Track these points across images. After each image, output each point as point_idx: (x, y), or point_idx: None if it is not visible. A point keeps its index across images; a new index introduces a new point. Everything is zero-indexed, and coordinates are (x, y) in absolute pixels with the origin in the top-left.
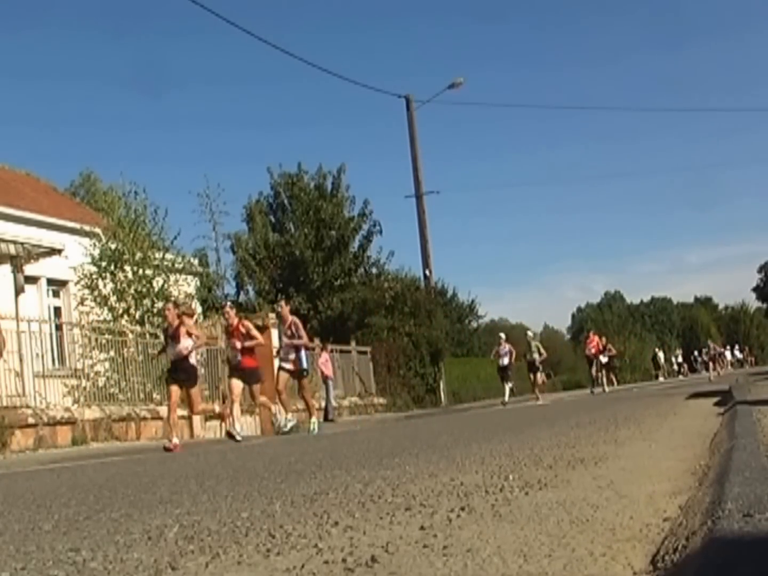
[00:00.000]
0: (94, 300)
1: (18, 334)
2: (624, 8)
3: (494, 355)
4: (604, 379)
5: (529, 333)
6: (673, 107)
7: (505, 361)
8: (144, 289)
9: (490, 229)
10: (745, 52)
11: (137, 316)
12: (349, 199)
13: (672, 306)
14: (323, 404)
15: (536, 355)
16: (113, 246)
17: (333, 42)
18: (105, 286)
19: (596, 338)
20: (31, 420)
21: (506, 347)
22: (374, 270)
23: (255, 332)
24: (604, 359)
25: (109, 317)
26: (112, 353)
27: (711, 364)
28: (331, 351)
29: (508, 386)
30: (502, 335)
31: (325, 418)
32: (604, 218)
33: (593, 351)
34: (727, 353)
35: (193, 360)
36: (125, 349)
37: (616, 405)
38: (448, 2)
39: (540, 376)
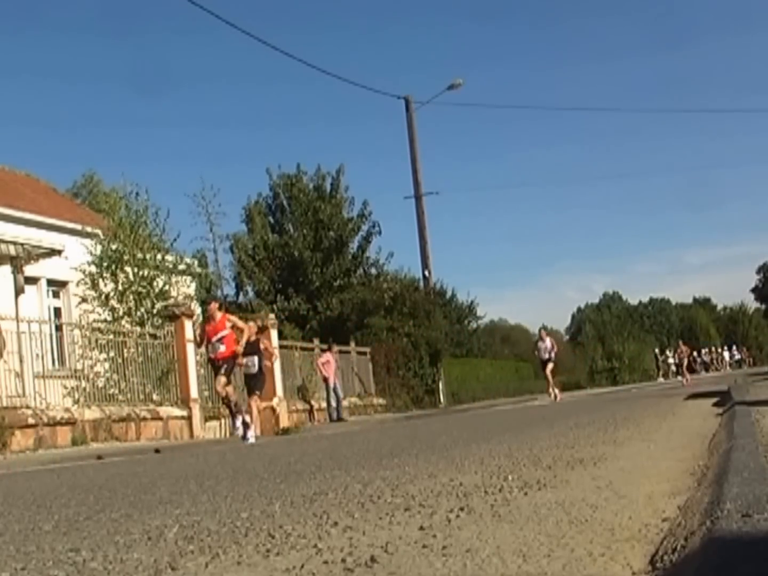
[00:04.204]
0: (97, 299)
1: (18, 335)
2: (624, 8)
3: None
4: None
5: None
6: (673, 107)
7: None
8: (144, 290)
9: (490, 229)
10: (745, 52)
11: (138, 317)
12: (348, 200)
13: (671, 307)
14: (323, 405)
15: None
16: (114, 246)
17: (332, 42)
18: (105, 285)
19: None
20: (31, 420)
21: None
22: (373, 271)
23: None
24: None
25: (110, 318)
26: (112, 354)
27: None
28: (336, 352)
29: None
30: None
31: (333, 418)
32: (604, 218)
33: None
34: (726, 353)
35: None
36: (125, 350)
37: (615, 405)
38: (448, 2)
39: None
